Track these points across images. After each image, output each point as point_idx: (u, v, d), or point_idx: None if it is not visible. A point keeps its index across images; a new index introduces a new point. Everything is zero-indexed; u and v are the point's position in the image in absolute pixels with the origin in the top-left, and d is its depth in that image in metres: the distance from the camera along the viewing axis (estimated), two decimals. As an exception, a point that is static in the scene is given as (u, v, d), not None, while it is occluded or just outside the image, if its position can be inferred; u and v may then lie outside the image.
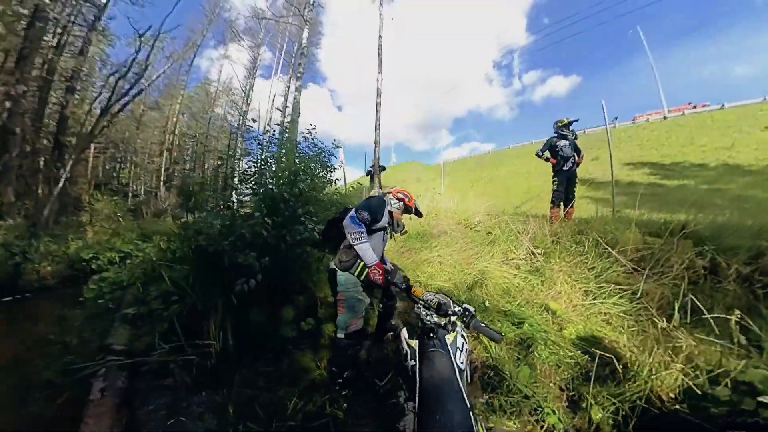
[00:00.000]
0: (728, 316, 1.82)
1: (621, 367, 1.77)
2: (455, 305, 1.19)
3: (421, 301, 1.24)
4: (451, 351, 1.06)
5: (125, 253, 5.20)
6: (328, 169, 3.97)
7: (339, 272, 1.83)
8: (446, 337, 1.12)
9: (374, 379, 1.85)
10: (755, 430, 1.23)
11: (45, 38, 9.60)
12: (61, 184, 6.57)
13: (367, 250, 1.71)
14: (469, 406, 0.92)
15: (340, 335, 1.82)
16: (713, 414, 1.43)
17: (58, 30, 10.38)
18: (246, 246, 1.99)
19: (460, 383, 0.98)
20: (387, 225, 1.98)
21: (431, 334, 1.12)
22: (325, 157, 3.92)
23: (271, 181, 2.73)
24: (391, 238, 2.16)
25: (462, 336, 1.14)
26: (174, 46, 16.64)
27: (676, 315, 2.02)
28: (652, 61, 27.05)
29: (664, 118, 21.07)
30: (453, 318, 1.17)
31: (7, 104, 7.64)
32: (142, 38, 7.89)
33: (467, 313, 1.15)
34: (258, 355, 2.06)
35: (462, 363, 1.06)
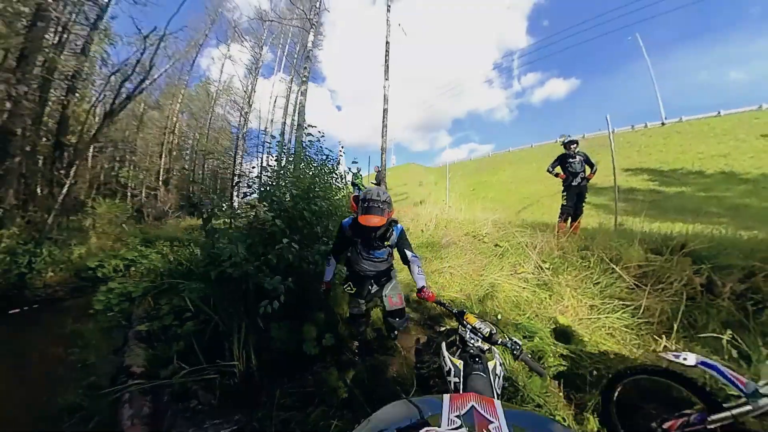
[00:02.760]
0: (719, 335, 2.01)
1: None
2: (506, 336, 1.25)
3: (472, 328, 1.29)
4: (491, 377, 1.11)
5: (129, 261, 5.16)
6: (336, 176, 3.96)
7: None
8: (488, 363, 1.17)
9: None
10: None
11: (46, 37, 9.46)
12: (66, 189, 6.46)
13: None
14: None
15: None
16: None
17: (59, 29, 10.26)
18: (271, 270, 2.00)
19: None
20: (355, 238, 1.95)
21: (477, 359, 1.16)
22: (331, 162, 3.91)
23: (287, 198, 2.74)
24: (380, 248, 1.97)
25: (500, 364, 1.20)
26: (176, 45, 16.50)
27: (675, 331, 2.21)
28: (650, 66, 27.25)
29: (662, 123, 21.15)
30: (496, 346, 1.25)
31: (8, 105, 7.51)
32: (147, 39, 7.78)
33: (517, 346, 1.22)
34: (281, 373, 2.07)
35: (499, 389, 1.11)
